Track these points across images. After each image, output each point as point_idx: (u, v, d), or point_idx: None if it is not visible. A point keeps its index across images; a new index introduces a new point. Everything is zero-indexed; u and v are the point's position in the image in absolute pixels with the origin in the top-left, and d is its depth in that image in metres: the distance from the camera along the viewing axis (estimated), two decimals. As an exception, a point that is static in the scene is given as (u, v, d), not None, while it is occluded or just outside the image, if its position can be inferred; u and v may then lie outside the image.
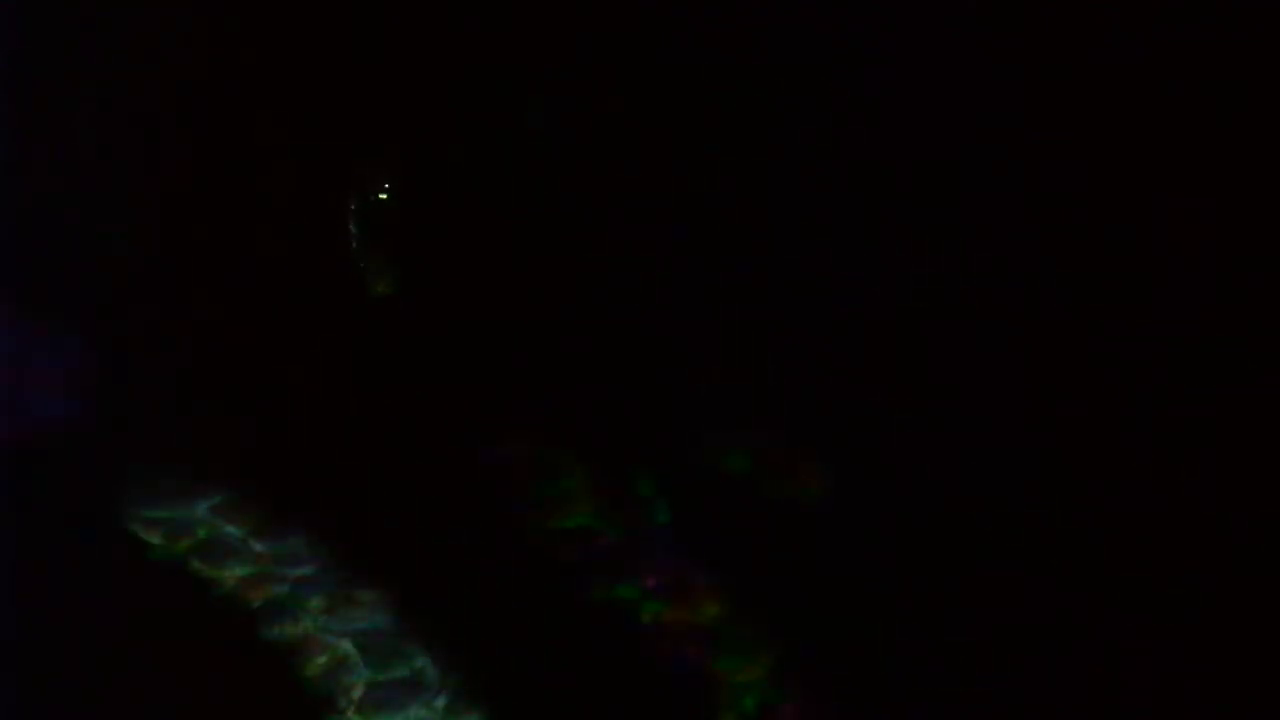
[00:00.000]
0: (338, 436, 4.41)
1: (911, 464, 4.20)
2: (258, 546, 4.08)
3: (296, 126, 4.53)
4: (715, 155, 4.39)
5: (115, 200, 4.56)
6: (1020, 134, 4.16)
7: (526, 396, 4.47)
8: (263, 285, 4.63)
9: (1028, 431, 4.16)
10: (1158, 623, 3.85)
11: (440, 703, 3.62)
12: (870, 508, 4.17)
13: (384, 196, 4.49)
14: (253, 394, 4.53)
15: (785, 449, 4.29)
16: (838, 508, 4.18)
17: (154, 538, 4.05)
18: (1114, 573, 3.97)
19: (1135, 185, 4.09)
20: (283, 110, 4.51)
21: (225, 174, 4.54)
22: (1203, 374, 4.06)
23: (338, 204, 4.51)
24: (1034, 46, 4.14)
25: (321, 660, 3.75)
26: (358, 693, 3.65)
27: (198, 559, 4.05)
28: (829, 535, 4.13)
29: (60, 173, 4.51)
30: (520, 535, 4.19)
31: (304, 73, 4.51)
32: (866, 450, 4.26)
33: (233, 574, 3.98)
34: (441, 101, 4.57)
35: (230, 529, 4.13)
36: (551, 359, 4.51)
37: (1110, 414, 4.13)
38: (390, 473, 4.31)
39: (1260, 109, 3.95)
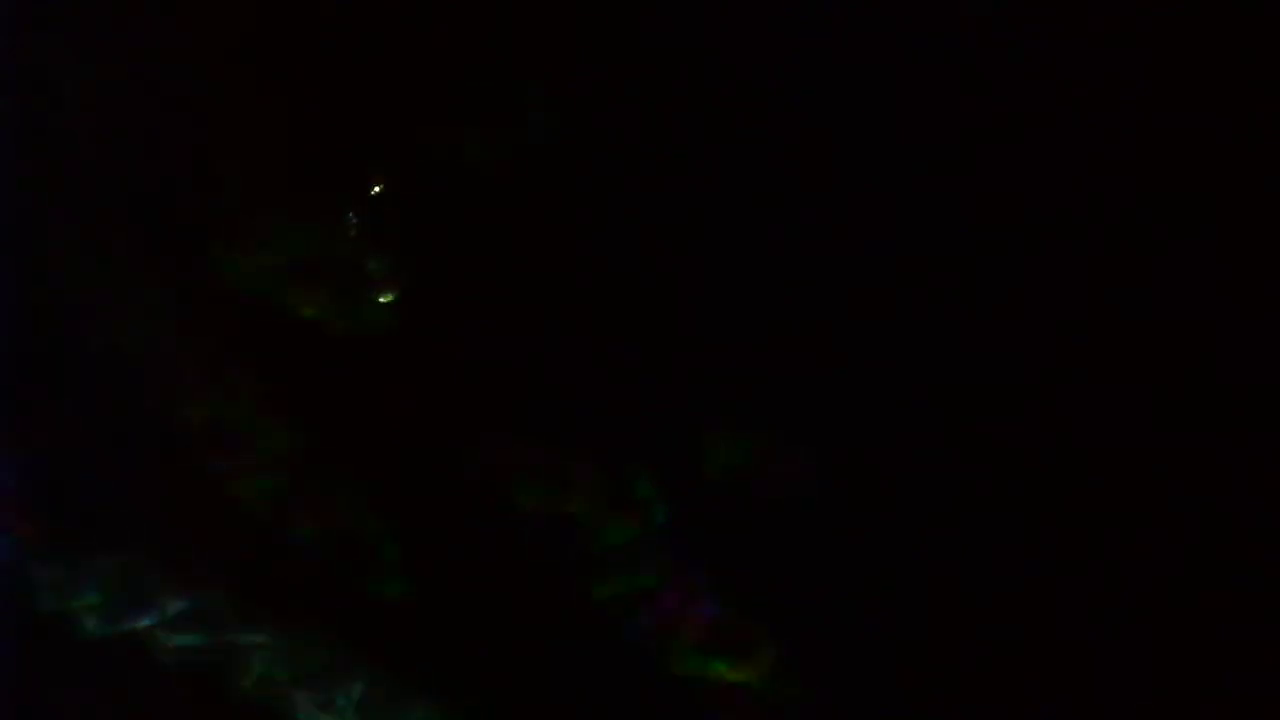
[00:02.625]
0: (335, 436, 4.42)
1: (911, 462, 4.20)
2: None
3: (296, 131, 4.53)
4: (714, 155, 4.40)
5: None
6: (1018, 133, 4.16)
7: (526, 397, 4.47)
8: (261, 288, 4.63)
9: (1027, 431, 4.16)
10: (1156, 621, 3.84)
11: (439, 702, 3.63)
12: (869, 506, 4.17)
13: (383, 197, 4.50)
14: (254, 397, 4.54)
15: (783, 447, 4.29)
16: (835, 506, 4.18)
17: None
18: (1113, 572, 3.97)
19: (1134, 184, 4.09)
20: (281, 117, 4.52)
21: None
22: (1203, 372, 4.06)
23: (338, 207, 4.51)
24: (1033, 45, 4.14)
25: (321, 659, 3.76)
26: (357, 693, 3.66)
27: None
28: (827, 533, 4.13)
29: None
30: (520, 535, 4.20)
31: (303, 73, 4.52)
32: (865, 449, 4.26)
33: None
34: (442, 101, 4.57)
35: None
36: (551, 359, 4.51)
37: (1110, 412, 4.13)
38: (390, 473, 4.32)
39: (1260, 108, 3.95)
